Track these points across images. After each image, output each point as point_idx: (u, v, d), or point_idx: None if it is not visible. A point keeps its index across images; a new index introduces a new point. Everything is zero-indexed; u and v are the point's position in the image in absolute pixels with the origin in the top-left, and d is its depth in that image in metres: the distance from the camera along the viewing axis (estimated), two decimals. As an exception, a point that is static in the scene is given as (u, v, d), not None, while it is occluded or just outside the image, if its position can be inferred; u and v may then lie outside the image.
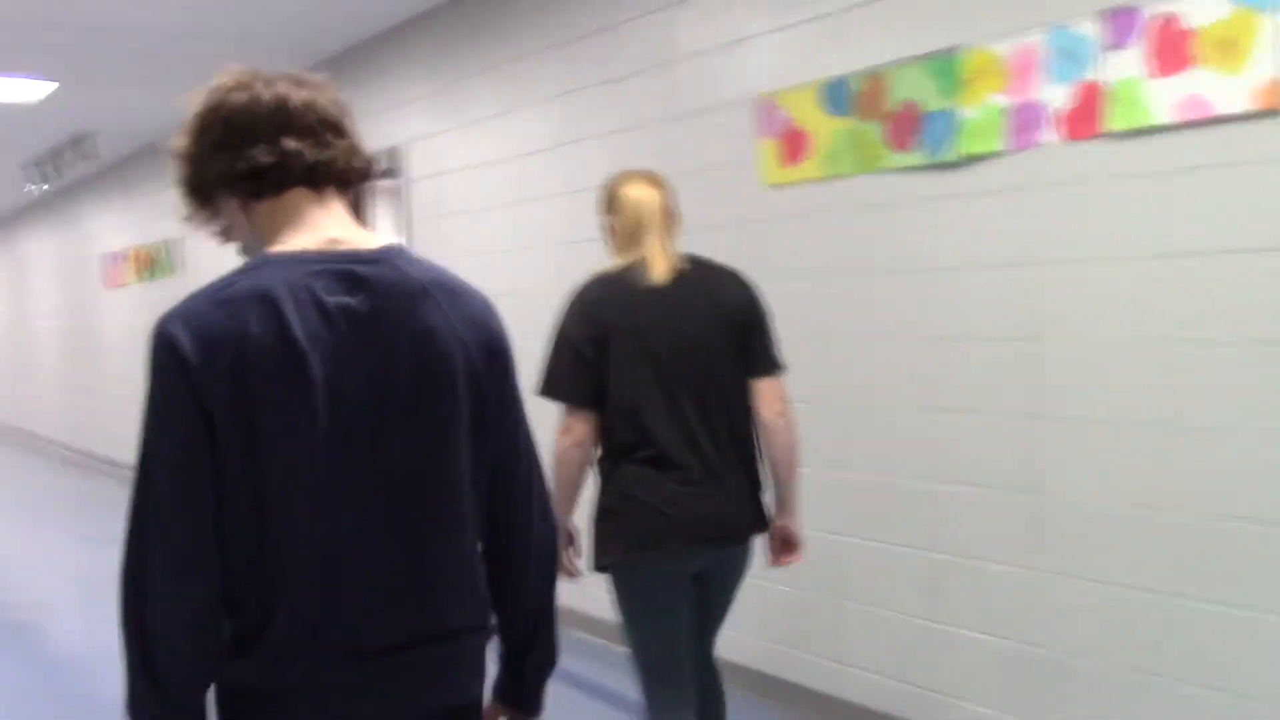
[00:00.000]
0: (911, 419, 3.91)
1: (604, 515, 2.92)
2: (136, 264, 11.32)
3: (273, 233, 1.64)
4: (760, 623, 4.47)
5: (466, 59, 6.09)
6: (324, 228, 1.65)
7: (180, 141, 1.66)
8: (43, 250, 15.17)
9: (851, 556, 4.15)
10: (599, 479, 2.96)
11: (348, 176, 1.71)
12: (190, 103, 1.66)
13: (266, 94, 1.64)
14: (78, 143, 9.99)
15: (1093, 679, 3.43)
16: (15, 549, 8.69)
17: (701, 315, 2.90)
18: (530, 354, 5.73)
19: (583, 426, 2.88)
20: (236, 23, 6.55)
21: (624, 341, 2.85)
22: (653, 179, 3.07)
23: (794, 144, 4.22)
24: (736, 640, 3.63)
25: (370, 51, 6.99)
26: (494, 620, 1.76)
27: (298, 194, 1.66)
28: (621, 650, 3.12)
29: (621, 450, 2.88)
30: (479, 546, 1.72)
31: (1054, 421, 3.49)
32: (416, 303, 1.64)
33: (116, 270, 11.96)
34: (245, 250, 1.68)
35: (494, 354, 1.72)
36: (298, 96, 1.66)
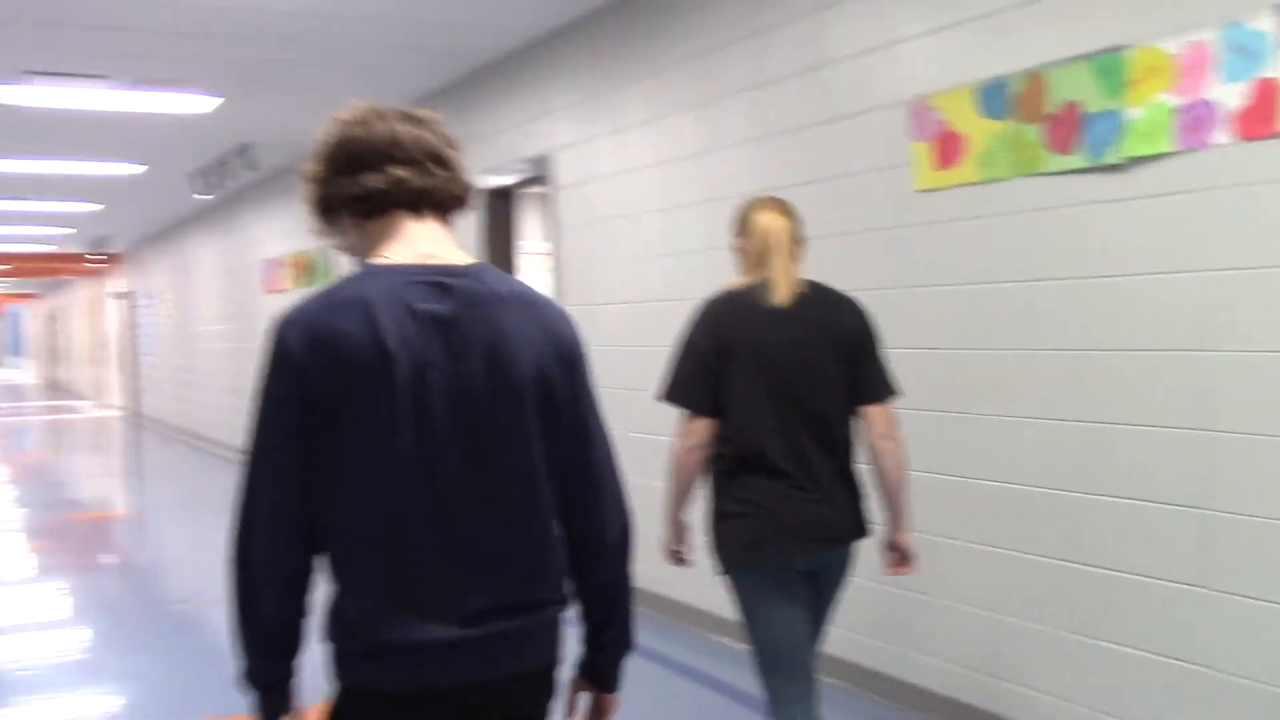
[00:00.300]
0: (1073, 430, 3.79)
1: (721, 519, 3.12)
2: (294, 269, 11.72)
3: (378, 247, 1.89)
4: (942, 641, 4.39)
5: (616, 66, 6.13)
6: (421, 245, 1.89)
7: (310, 167, 1.94)
8: (207, 256, 15.81)
9: (1012, 569, 4.04)
10: (713, 485, 3.15)
11: (447, 202, 1.96)
12: (319, 134, 1.93)
13: (381, 128, 1.89)
14: (241, 153, 10.38)
15: (1265, 701, 3.27)
16: (182, 546, 9.07)
17: (817, 337, 3.09)
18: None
19: (702, 432, 3.08)
20: (390, 37, 6.72)
21: (744, 356, 3.06)
22: (782, 207, 3.24)
23: (948, 147, 4.13)
24: (928, 664, 3.55)
25: (521, 61, 7.10)
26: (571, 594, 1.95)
27: (401, 215, 1.91)
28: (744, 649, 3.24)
29: (736, 458, 3.07)
30: (556, 530, 1.91)
31: (1224, 434, 3.34)
32: (495, 311, 1.85)
33: (275, 275, 12.40)
34: (358, 262, 1.91)
35: (565, 357, 1.91)
36: (407, 131, 1.91)
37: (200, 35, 6.55)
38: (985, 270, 4.06)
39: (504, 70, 7.32)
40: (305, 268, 11.41)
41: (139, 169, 11.53)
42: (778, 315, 3.08)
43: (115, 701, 5.13)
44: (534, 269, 7.85)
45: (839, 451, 3.12)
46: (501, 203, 7.72)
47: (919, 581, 4.24)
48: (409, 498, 1.77)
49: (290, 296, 11.94)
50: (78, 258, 22.60)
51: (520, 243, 7.88)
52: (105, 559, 8.78)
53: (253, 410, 1.80)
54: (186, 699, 4.96)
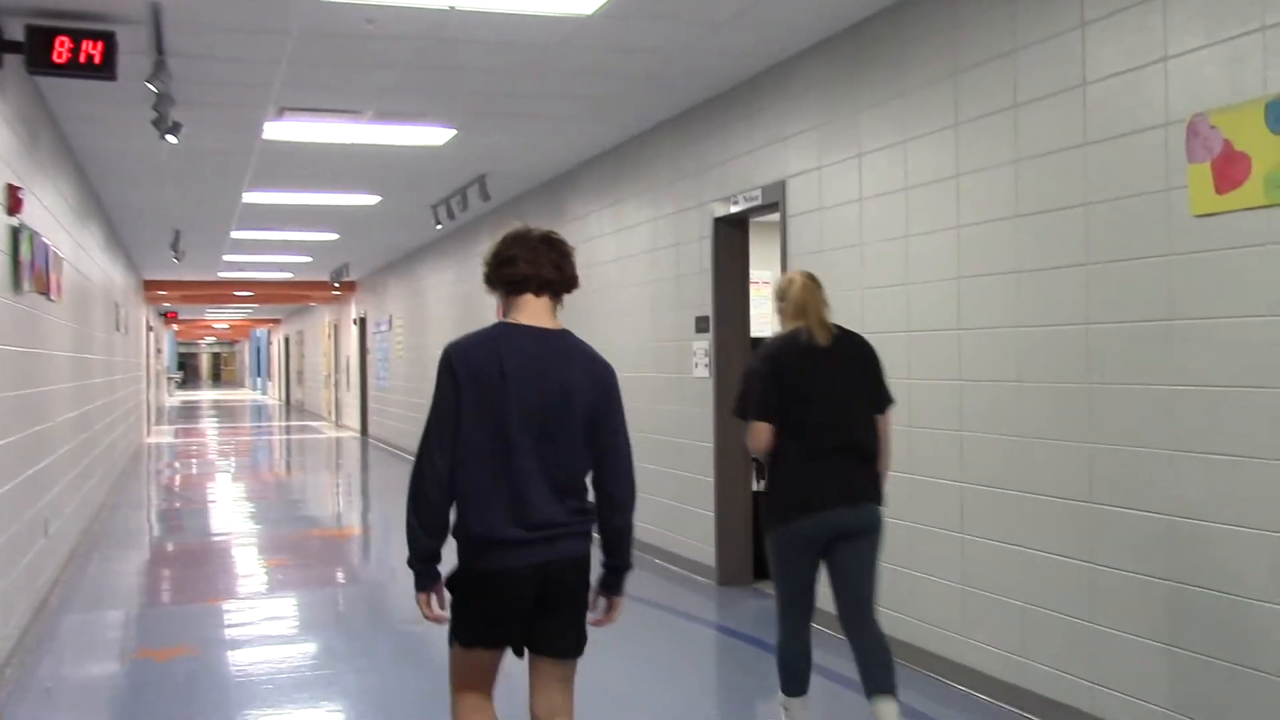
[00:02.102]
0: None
1: (769, 496, 4.42)
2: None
3: (512, 312, 3.28)
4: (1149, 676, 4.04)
5: (855, 90, 5.96)
6: (533, 314, 3.27)
7: (486, 258, 3.32)
8: (439, 283, 16.31)
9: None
10: (768, 472, 4.42)
11: (558, 290, 3.30)
12: (496, 240, 3.33)
13: (529, 239, 3.28)
14: (474, 184, 10.64)
15: None
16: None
17: (847, 366, 4.40)
18: (921, 390, 5.47)
19: (766, 434, 4.31)
20: (625, 65, 6.74)
21: (796, 381, 4.30)
22: (811, 278, 4.49)
23: (1231, 168, 3.80)
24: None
25: (754, 88, 7.00)
26: (594, 515, 3.26)
27: (528, 295, 3.27)
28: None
29: (787, 453, 4.30)
30: (589, 490, 3.26)
31: None
32: (565, 358, 3.24)
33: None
34: (501, 317, 3.30)
35: (603, 392, 3.24)
36: (542, 248, 3.27)
37: (440, 68, 6.70)
38: (1273, 300, 3.70)
39: (736, 98, 7.24)
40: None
41: (374, 199, 11.97)
42: (821, 351, 4.35)
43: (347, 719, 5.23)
44: (763, 298, 7.74)
45: (861, 445, 4.34)
46: (733, 231, 7.63)
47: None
48: (495, 460, 3.12)
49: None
50: (318, 285, 23.71)
51: (752, 272, 7.77)
52: (339, 576, 9.06)
53: (433, 398, 3.18)
54: (419, 722, 5.01)
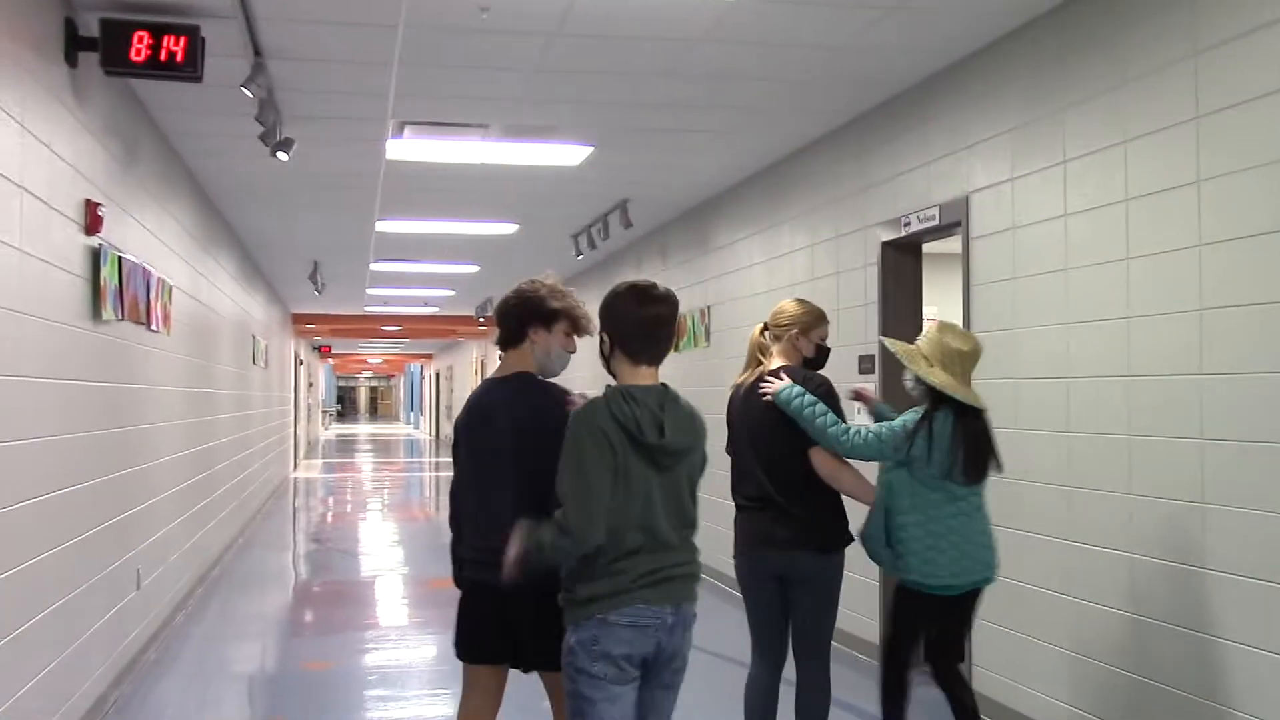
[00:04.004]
0: None
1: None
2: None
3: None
4: None
5: (1060, 86, 4.94)
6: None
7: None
8: (581, 319, 15.60)
9: None
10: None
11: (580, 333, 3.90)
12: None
13: (538, 293, 3.87)
14: (615, 210, 9.87)
15: None
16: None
17: (760, 413, 4.34)
18: (1148, 449, 4.36)
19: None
20: (774, 68, 5.85)
21: (734, 428, 4.51)
22: (766, 325, 4.57)
23: None
24: None
25: (929, 91, 6.03)
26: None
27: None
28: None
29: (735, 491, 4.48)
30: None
31: None
32: (533, 397, 3.71)
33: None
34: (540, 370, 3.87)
35: (558, 428, 3.30)
36: (553, 295, 3.83)
37: (567, 71, 5.92)
38: None
39: (907, 102, 6.27)
40: (680, 331, 10.70)
41: (512, 228, 11.31)
42: (741, 397, 4.47)
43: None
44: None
45: (793, 485, 4.29)
46: (903, 257, 6.63)
47: None
48: (473, 488, 3.71)
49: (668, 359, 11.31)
50: (463, 320, 23.37)
51: (925, 305, 6.76)
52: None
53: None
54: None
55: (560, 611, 3.20)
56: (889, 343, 4.45)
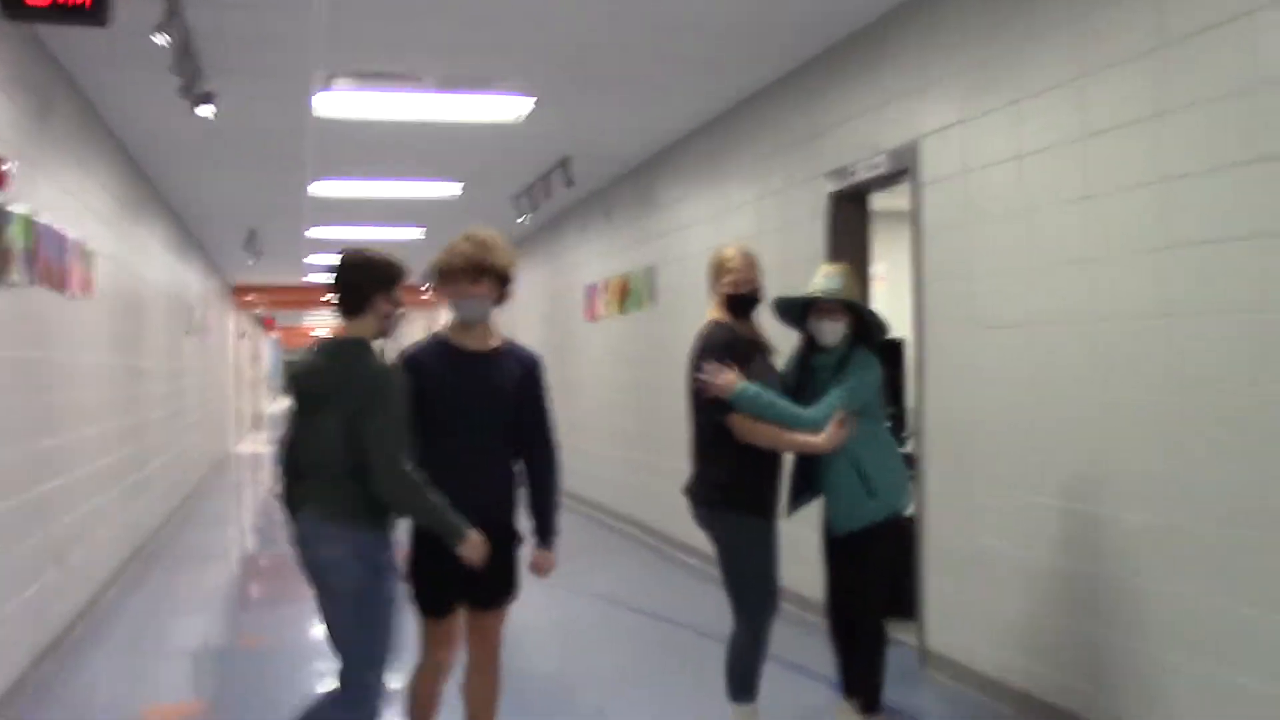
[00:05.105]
0: None
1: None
2: (615, 294, 10.85)
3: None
4: None
5: (1013, 21, 4.75)
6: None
7: (510, 265, 3.97)
8: (528, 283, 15.32)
9: None
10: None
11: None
12: (506, 245, 3.97)
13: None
14: (560, 168, 9.60)
15: None
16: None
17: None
18: (1114, 394, 4.21)
19: None
20: (728, 12, 5.61)
21: None
22: None
23: None
24: None
25: (879, 32, 5.81)
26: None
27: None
28: None
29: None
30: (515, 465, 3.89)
31: None
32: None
33: (596, 301, 11.61)
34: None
35: (531, 382, 3.94)
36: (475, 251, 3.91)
37: (508, 18, 5.65)
38: None
39: (855, 46, 6.06)
40: (624, 292, 10.50)
41: (456, 188, 11.00)
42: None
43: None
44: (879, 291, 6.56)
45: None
46: (851, 208, 6.43)
47: None
48: (437, 444, 3.73)
49: (608, 325, 11.10)
50: (408, 289, 22.93)
51: (872, 257, 6.57)
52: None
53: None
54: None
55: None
56: (839, 288, 4.35)
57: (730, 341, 4.25)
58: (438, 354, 3.84)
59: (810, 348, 4.45)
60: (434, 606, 3.80)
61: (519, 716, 4.93)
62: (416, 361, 3.81)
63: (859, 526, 4.30)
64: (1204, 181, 3.79)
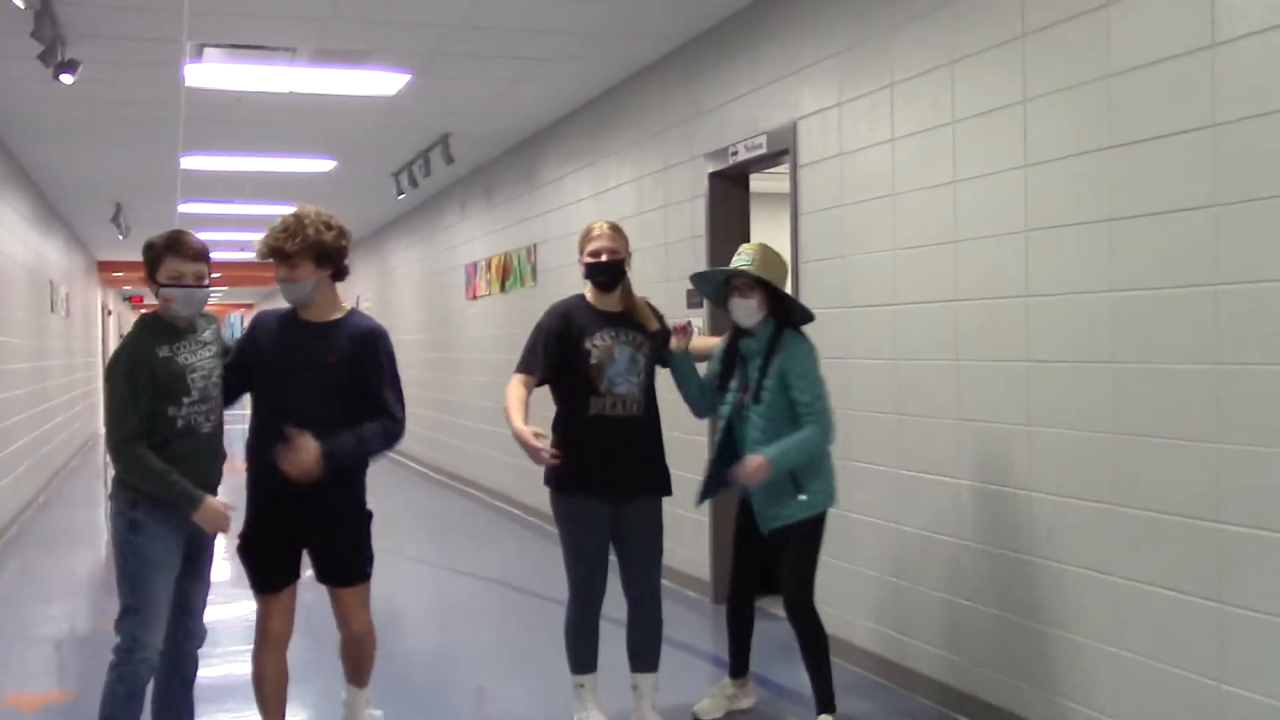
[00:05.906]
0: None
1: None
2: (495, 274, 10.79)
3: (333, 295, 4.06)
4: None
5: (892, 4, 4.84)
6: None
7: (346, 241, 4.00)
8: (407, 261, 15.16)
9: None
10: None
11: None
12: (337, 224, 3.92)
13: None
14: (437, 145, 9.50)
15: None
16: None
17: None
18: (973, 372, 4.35)
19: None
20: (586, 7, 5.63)
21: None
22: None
23: None
24: None
25: (760, 12, 5.88)
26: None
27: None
28: None
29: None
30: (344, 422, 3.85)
31: None
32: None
33: (476, 280, 11.53)
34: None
35: (369, 348, 3.91)
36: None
37: (388, 8, 5.57)
38: None
39: (737, 27, 6.12)
40: (505, 271, 10.45)
41: (329, 164, 10.81)
42: None
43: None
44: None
45: None
46: (731, 188, 6.51)
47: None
48: (269, 412, 3.90)
49: (488, 303, 11.04)
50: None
51: (752, 238, 6.65)
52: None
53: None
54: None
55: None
56: (749, 263, 4.29)
57: (563, 312, 4.33)
58: (279, 323, 3.96)
59: (737, 333, 4.41)
60: (264, 581, 3.94)
61: (399, 695, 4.93)
62: (256, 329, 4.00)
63: (783, 524, 4.28)
64: (1063, 166, 3.93)
